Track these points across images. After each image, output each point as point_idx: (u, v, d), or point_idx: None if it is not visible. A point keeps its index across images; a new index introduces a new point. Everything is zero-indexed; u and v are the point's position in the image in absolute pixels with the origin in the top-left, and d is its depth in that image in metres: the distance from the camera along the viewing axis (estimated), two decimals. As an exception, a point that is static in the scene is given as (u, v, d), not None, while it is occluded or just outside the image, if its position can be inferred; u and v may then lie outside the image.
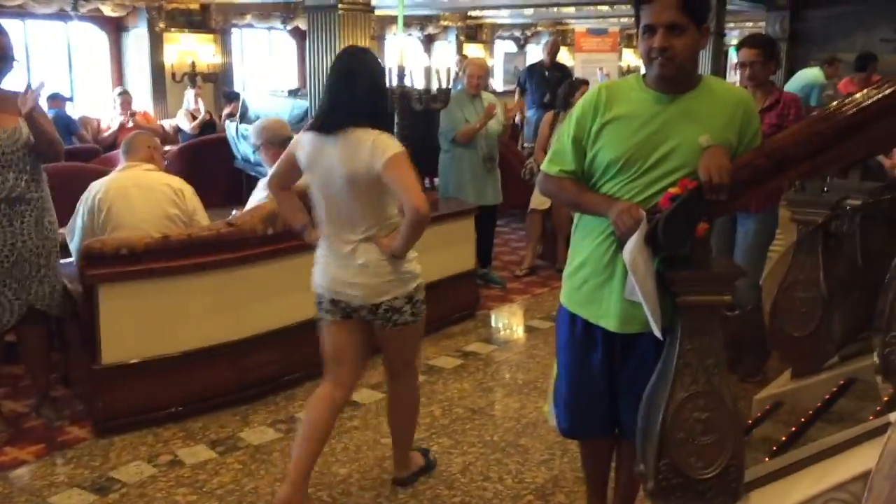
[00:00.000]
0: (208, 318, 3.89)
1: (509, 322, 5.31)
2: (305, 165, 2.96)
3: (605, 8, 12.08)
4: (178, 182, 4.06)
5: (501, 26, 15.74)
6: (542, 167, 2.54)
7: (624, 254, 2.22)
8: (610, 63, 16.57)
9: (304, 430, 3.01)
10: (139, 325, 3.71)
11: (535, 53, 16.06)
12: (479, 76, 5.74)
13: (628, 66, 18.60)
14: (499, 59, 15.80)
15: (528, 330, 5.12)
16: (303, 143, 2.96)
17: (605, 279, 2.41)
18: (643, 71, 2.38)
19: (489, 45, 15.53)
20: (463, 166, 5.73)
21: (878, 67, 8.45)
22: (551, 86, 8.91)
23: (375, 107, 2.93)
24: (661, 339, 2.27)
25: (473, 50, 14.34)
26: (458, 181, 5.73)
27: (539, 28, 16.34)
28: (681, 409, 2.27)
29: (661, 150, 2.28)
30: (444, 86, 5.08)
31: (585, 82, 6.51)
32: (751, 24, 13.79)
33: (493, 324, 5.28)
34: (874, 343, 2.24)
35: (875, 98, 2.09)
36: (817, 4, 11.34)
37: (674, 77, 2.26)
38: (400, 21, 5.25)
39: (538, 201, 6.27)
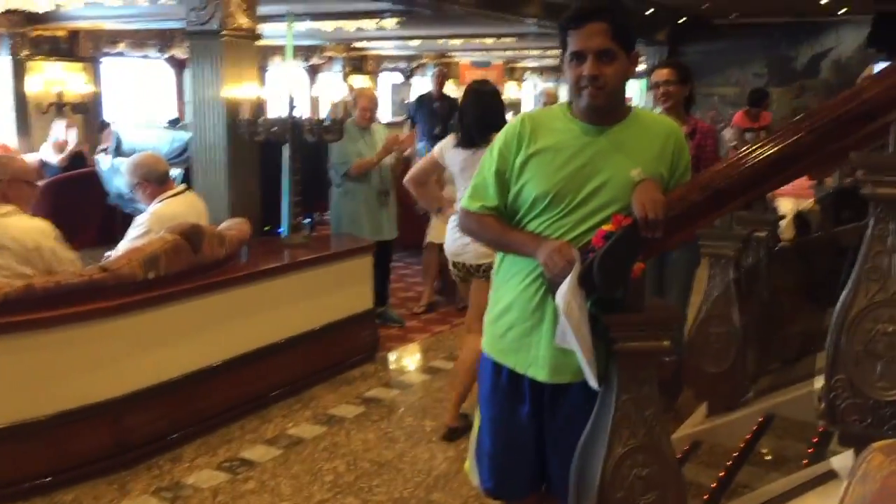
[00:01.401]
0: (81, 375, 3.46)
1: (411, 364, 5.06)
2: (458, 172, 3.94)
3: (489, 41, 12.12)
4: (34, 235, 3.47)
5: (387, 58, 15.63)
6: (462, 203, 2.33)
7: (557, 298, 2.02)
8: (495, 95, 16.76)
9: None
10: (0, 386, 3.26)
11: (422, 85, 16.04)
12: (370, 108, 5.52)
13: (510, 100, 18.91)
14: (385, 90, 15.65)
15: (431, 371, 4.88)
16: (451, 155, 3.96)
17: (533, 325, 2.21)
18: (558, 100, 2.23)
19: (375, 76, 15.37)
20: (357, 201, 5.48)
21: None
22: (441, 117, 8.83)
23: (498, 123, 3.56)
24: (598, 389, 2.09)
25: (359, 81, 14.13)
26: (353, 216, 5.48)
27: (424, 60, 16.31)
28: (619, 465, 2.09)
29: (591, 184, 2.12)
30: (339, 116, 4.82)
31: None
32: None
33: (393, 366, 5.03)
34: (814, 385, 2.11)
35: (813, 129, 1.99)
36: (694, 40, 11.78)
37: (604, 107, 2.11)
38: (289, 50, 4.98)
39: (435, 235, 6.08)
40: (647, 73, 12.07)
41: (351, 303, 4.90)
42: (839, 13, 10.12)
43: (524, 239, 2.17)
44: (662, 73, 3.98)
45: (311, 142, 4.77)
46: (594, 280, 2.01)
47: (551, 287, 2.10)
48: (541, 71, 21.27)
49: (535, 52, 15.73)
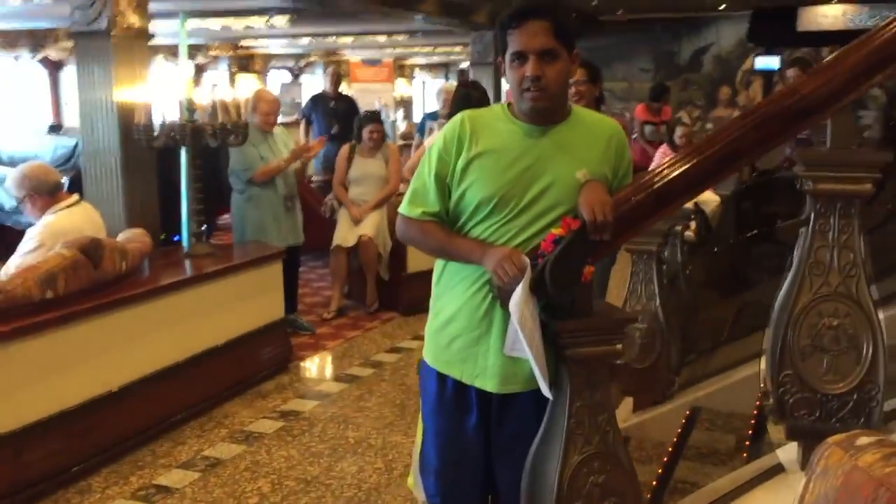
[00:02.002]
0: (-28, 409, 3.17)
1: (326, 372, 4.91)
2: None
3: (381, 38, 12.00)
4: None
5: (275, 56, 15.25)
6: (401, 209, 2.23)
7: (511, 307, 1.95)
8: (385, 93, 16.65)
9: None
10: None
11: (312, 84, 15.75)
12: (272, 112, 5.32)
13: (401, 97, 18.84)
14: (274, 89, 15.27)
15: (349, 379, 4.75)
16: None
17: (480, 334, 2.14)
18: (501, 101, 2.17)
19: (263, 75, 14.97)
20: (262, 207, 5.28)
21: (637, 92, 9.03)
22: (338, 117, 8.66)
23: None
24: (550, 397, 2.04)
25: (247, 81, 13.73)
26: (258, 223, 5.27)
27: (313, 58, 16.01)
28: (576, 474, 2.04)
29: (535, 187, 2.06)
30: (242, 119, 4.61)
31: (377, 116, 6.30)
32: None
33: (309, 376, 4.86)
34: (765, 378, 2.13)
35: (756, 126, 2.00)
36: (581, 36, 11.95)
37: (548, 108, 2.05)
38: (184, 49, 4.73)
39: (342, 238, 5.95)
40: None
41: (261, 313, 4.71)
42: (719, 9, 10.50)
43: (470, 246, 2.09)
44: (575, 73, 3.98)
45: (213, 147, 4.53)
46: (546, 286, 1.96)
47: (500, 295, 2.04)
48: (430, 68, 21.29)
49: (426, 50, 15.70)
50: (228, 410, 4.28)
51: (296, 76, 16.23)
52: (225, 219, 8.63)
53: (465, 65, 21.68)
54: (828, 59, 2.03)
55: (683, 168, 2.03)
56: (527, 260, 1.97)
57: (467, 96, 4.00)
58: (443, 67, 21.50)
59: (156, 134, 4.43)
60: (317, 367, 5.01)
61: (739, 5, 10.05)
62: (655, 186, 2.04)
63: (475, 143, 2.09)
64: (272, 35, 11.57)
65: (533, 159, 2.06)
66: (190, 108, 4.45)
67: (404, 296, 6.07)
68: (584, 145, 2.09)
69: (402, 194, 6.36)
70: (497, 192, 2.06)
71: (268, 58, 15.08)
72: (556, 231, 1.99)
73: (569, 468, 2.04)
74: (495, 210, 2.07)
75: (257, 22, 9.26)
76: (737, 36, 11.10)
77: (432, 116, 7.53)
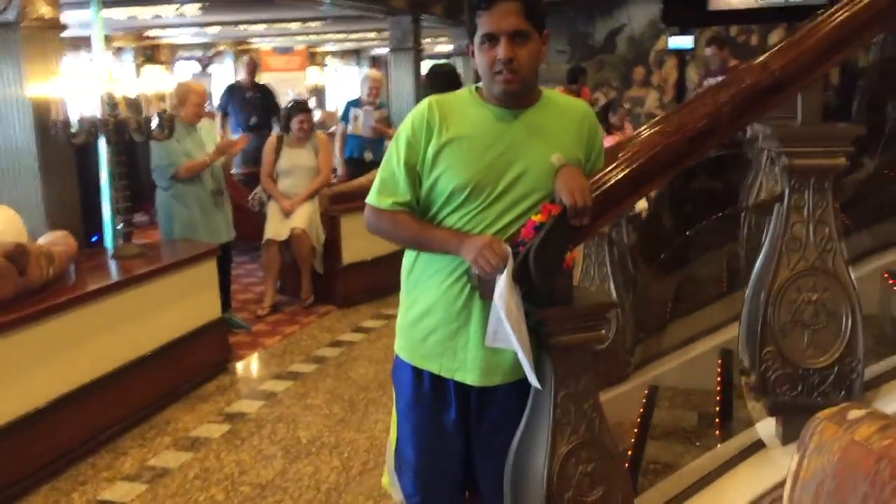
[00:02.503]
0: None
1: (269, 371, 4.75)
2: None
3: (294, 25, 11.73)
4: None
5: (182, 47, 14.75)
6: (370, 200, 2.13)
7: (495, 297, 1.89)
8: (298, 82, 16.34)
9: None
10: None
11: (221, 74, 15.31)
12: (202, 104, 5.11)
13: (314, 85, 18.52)
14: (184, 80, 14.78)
15: (293, 377, 4.61)
16: None
17: (458, 326, 2.07)
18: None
19: (170, 66, 14.47)
20: (190, 204, 5.06)
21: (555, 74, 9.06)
22: (255, 107, 8.43)
23: None
24: (539, 387, 1.99)
25: (154, 72, 13.22)
26: (187, 221, 5.05)
27: (222, 48, 15.57)
28: (565, 465, 2.01)
29: (510, 173, 2.00)
30: (167, 112, 4.39)
31: (306, 105, 6.13)
32: (429, 39, 14.20)
33: (250, 375, 4.70)
34: (743, 358, 2.13)
35: (729, 102, 1.98)
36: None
37: (520, 91, 1.99)
38: (100, 40, 4.47)
39: (274, 231, 5.77)
40: (461, 53, 12.16)
41: (197, 313, 4.52)
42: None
43: (445, 236, 2.02)
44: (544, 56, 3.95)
45: (139, 141, 4.31)
46: (531, 274, 1.90)
47: (481, 286, 1.98)
48: (342, 55, 21.01)
49: (339, 37, 15.45)
50: (169, 416, 4.10)
51: (204, 67, 15.76)
52: (142, 216, 8.34)
53: (379, 51, 21.52)
54: (797, 34, 2.03)
55: (657, 150, 2.01)
56: (508, 248, 1.92)
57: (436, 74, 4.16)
58: (355, 55, 21.26)
59: (74, 130, 4.18)
60: (257, 366, 4.85)
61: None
62: (631, 168, 2.01)
63: (445, 129, 2.01)
64: (180, 24, 11.17)
65: (506, 145, 2.00)
66: (111, 101, 4.21)
67: (340, 288, 5.95)
68: (556, 128, 2.04)
69: (333, 185, 6.26)
70: (471, 179, 1.99)
71: (174, 48, 14.58)
72: (537, 217, 1.93)
73: (557, 459, 2.00)
74: (469, 198, 2.00)
75: (167, 10, 8.91)
76: (648, 17, 11.27)
77: (355, 103, 7.40)
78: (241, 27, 12.16)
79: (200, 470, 3.53)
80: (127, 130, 4.27)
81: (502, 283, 1.88)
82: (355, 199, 6.03)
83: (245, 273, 6.93)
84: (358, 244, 5.96)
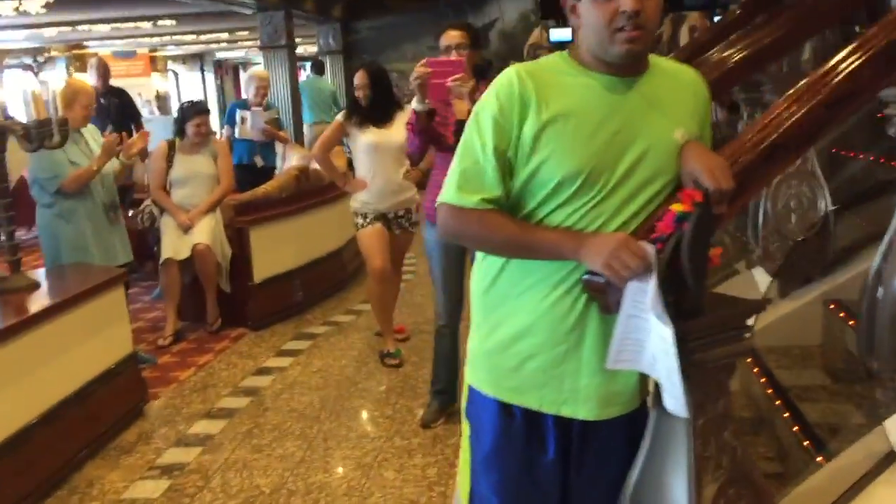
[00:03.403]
0: None
1: (194, 409, 4.09)
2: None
3: (145, 25, 10.77)
4: None
5: (9, 52, 13.30)
6: (447, 199, 1.68)
7: (650, 306, 1.49)
8: (145, 88, 15.21)
9: None
10: None
11: (54, 81, 13.95)
12: (90, 107, 4.38)
13: (157, 92, 17.32)
14: (15, 88, 13.35)
15: (226, 414, 4.01)
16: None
17: (567, 349, 1.67)
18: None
19: (-5, 74, 13.01)
20: (79, 222, 4.33)
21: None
22: (111, 113, 7.58)
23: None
24: (688, 416, 1.61)
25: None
26: (76, 242, 4.31)
27: (54, 53, 14.20)
28: (714, 506, 1.65)
29: (629, 155, 1.62)
30: (55, 115, 3.67)
31: (203, 107, 5.44)
32: (300, 38, 13.56)
33: (175, 417, 4.02)
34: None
35: (869, 58, 1.69)
36: (365, 16, 11.56)
37: (643, 52, 1.61)
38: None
39: (173, 250, 5.09)
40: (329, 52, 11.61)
41: (107, 351, 3.83)
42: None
43: (557, 237, 1.61)
44: (453, 36, 3.54)
45: (30, 151, 3.58)
46: (685, 276, 1.53)
47: (606, 297, 1.58)
48: (183, 59, 19.84)
49: (188, 38, 14.45)
50: (91, 476, 3.42)
51: (36, 73, 14.32)
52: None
53: (225, 55, 20.47)
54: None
55: (794, 117, 1.69)
56: (650, 246, 1.54)
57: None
58: (198, 59, 20.13)
59: (-59, 140, 3.41)
60: (178, 405, 4.18)
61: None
62: (767, 142, 1.68)
63: (545, 104, 1.61)
64: (13, 26, 9.97)
65: (622, 120, 1.62)
66: (-9, 104, 3.47)
67: (253, 308, 5.33)
68: (674, 99, 1.69)
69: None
70: (584, 165, 1.59)
71: (1, 53, 13.13)
72: (677, 207, 1.56)
73: (705, 501, 1.64)
74: (583, 189, 1.61)
75: (4, 8, 7.86)
76: (518, 11, 11.20)
77: (241, 105, 6.76)
78: (82, 28, 11.02)
79: (150, 542, 2.92)
80: (8, 138, 3.53)
81: (652, 288, 1.50)
82: (264, 209, 5.46)
83: (130, 298, 6.13)
84: (270, 258, 5.38)
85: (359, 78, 4.40)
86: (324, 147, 4.58)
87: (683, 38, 10.25)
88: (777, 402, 2.57)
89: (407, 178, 4.48)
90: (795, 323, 3.02)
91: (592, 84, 1.63)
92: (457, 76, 3.21)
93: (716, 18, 8.02)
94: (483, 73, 8.09)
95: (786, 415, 2.45)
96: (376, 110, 4.36)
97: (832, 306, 2.90)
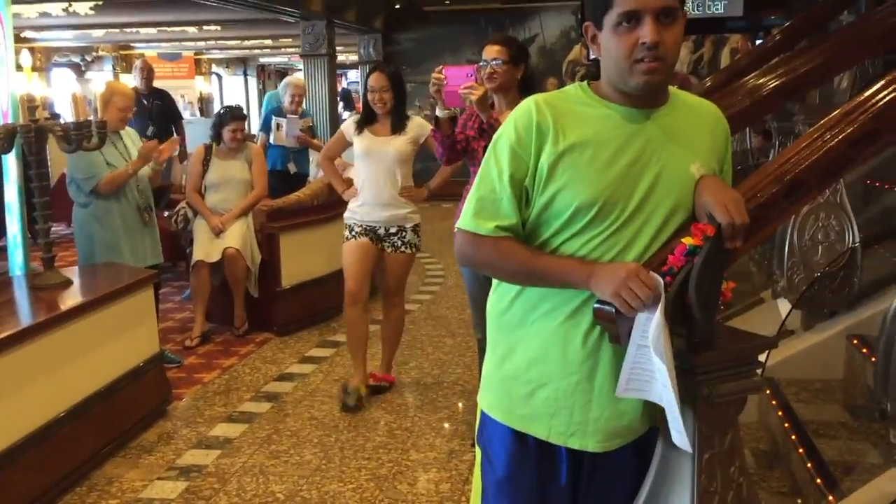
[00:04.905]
0: None
1: (216, 412, 4.16)
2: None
3: (191, 30, 10.96)
4: None
5: (58, 50, 13.60)
6: (465, 225, 1.70)
7: (651, 339, 1.51)
8: (188, 90, 15.46)
9: None
10: None
11: (101, 80, 14.23)
12: (127, 109, 4.48)
13: (200, 95, 17.59)
14: (62, 86, 13.64)
15: (247, 418, 4.06)
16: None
17: (578, 380, 1.67)
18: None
19: (45, 71, 13.30)
20: (113, 222, 4.43)
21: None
22: (153, 116, 7.74)
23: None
24: (689, 448, 1.61)
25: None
26: (110, 241, 4.41)
27: (101, 52, 14.49)
28: (715, 544, 1.64)
29: (644, 186, 1.63)
30: (95, 117, 3.77)
31: (240, 112, 5.52)
32: (341, 47, 13.70)
33: (196, 418, 4.09)
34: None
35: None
36: (406, 28, 11.64)
37: (662, 84, 1.62)
38: (10, 38, 3.80)
39: (204, 252, 5.17)
40: (362, 64, 11.73)
41: (135, 350, 3.91)
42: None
43: (569, 266, 1.62)
44: (492, 51, 3.55)
45: (69, 152, 3.67)
46: (692, 309, 1.54)
47: (619, 326, 1.59)
48: (227, 63, 20.12)
49: (232, 43, 14.67)
50: (110, 474, 3.48)
51: (82, 72, 14.62)
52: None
53: (267, 60, 20.73)
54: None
55: (817, 154, 1.68)
56: (659, 278, 1.54)
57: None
58: (241, 63, 20.42)
59: (-14, 138, 3.51)
60: (201, 406, 4.25)
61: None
62: (787, 178, 1.67)
63: (562, 134, 1.62)
64: (63, 26, 10.21)
65: (638, 151, 1.63)
66: (30, 104, 3.57)
67: (279, 314, 5.40)
68: (692, 133, 1.69)
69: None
70: (599, 195, 1.60)
71: (49, 51, 13.43)
72: (688, 240, 1.57)
73: (708, 540, 1.64)
74: (597, 218, 1.61)
75: (54, 9, 8.06)
76: (559, 27, 11.21)
77: (277, 112, 6.85)
78: (129, 29, 11.25)
79: (165, 541, 2.96)
80: (48, 138, 3.63)
81: (656, 320, 1.50)
82: (295, 216, 5.52)
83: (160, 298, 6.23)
84: (298, 264, 5.43)
85: (376, 80, 4.01)
86: (327, 154, 4.39)
87: (724, 60, 10.24)
88: (793, 437, 2.54)
89: (403, 195, 4.06)
90: (817, 356, 2.99)
91: (610, 114, 1.65)
92: (466, 84, 3.25)
93: (758, 41, 8.00)
94: (528, 89, 8.11)
95: (800, 450, 2.43)
96: (396, 116, 4.05)
97: (855, 341, 2.86)
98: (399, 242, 4.08)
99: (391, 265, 4.15)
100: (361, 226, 4.08)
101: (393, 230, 4.07)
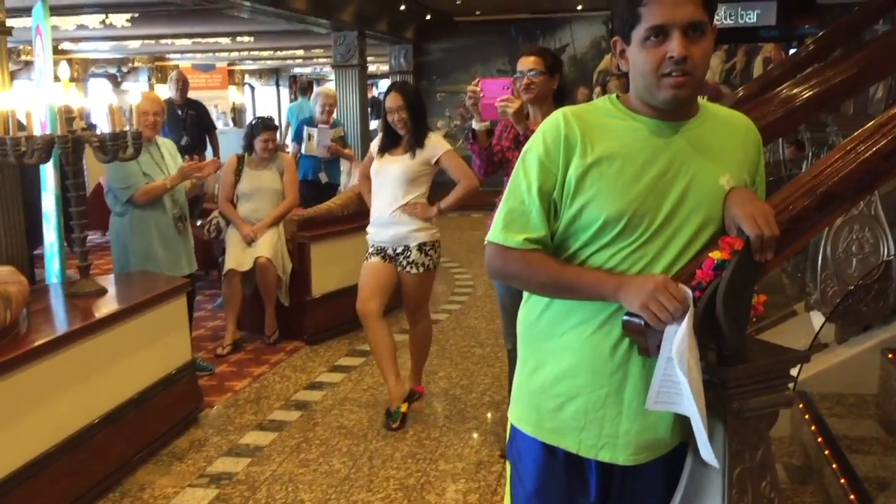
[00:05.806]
0: None
1: (247, 420, 4.20)
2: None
3: (224, 41, 11.11)
4: None
5: (95, 61, 13.85)
6: (494, 238, 1.71)
7: (673, 352, 1.50)
8: (222, 101, 15.65)
9: None
10: None
11: (136, 91, 14.47)
12: (149, 111, 4.53)
13: (234, 105, 17.81)
14: (98, 97, 13.88)
15: (276, 427, 4.09)
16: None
17: (608, 392, 1.67)
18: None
19: (82, 82, 13.55)
20: (149, 231, 4.49)
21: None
22: (187, 126, 7.87)
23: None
24: (716, 463, 1.60)
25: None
26: (145, 250, 4.47)
27: (137, 63, 14.73)
28: (745, 561, 1.63)
29: (672, 198, 1.62)
30: (130, 128, 3.83)
31: (272, 123, 5.58)
32: (372, 57, 13.82)
33: (227, 426, 4.13)
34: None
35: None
36: (437, 38, 11.69)
37: (690, 98, 1.62)
38: (48, 41, 3.89)
39: (236, 261, 5.23)
40: (392, 74, 11.82)
41: (167, 357, 3.96)
42: (577, 9, 10.55)
43: (597, 278, 1.62)
44: (527, 62, 3.55)
45: (105, 161, 3.74)
46: (720, 323, 1.53)
47: (649, 338, 1.58)
48: (259, 74, 20.35)
49: (265, 54, 14.83)
50: (143, 480, 3.53)
51: (118, 83, 14.87)
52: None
53: (299, 70, 20.93)
54: None
55: (850, 167, 1.67)
56: (688, 290, 1.54)
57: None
58: (274, 73, 20.63)
59: (23, 149, 3.58)
60: (231, 414, 4.29)
61: (596, 4, 10.14)
62: (819, 191, 1.66)
63: (590, 147, 1.62)
64: (99, 37, 10.39)
65: (666, 164, 1.63)
66: (67, 115, 3.64)
67: (309, 323, 5.43)
68: (722, 145, 1.68)
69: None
70: (627, 207, 1.60)
71: (87, 63, 13.68)
72: (716, 254, 1.56)
73: (737, 556, 1.62)
74: (625, 231, 1.61)
75: (91, 21, 8.21)
76: (591, 37, 11.20)
77: (309, 122, 6.92)
78: (164, 41, 11.43)
79: (195, 548, 2.99)
80: (85, 148, 3.70)
81: (682, 334, 1.50)
82: (326, 225, 5.57)
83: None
84: (328, 274, 5.47)
85: (391, 100, 3.94)
86: (363, 172, 4.35)
87: (757, 69, 10.15)
88: (826, 452, 2.51)
89: (405, 210, 3.93)
90: (852, 370, 2.95)
91: (638, 127, 1.65)
92: (503, 98, 3.25)
93: (791, 51, 7.93)
94: (562, 98, 8.11)
95: (834, 465, 2.39)
96: (411, 134, 3.93)
97: (890, 356, 2.83)
98: (405, 262, 3.98)
99: (404, 285, 4.06)
100: (374, 245, 4.06)
101: (399, 250, 3.99)
